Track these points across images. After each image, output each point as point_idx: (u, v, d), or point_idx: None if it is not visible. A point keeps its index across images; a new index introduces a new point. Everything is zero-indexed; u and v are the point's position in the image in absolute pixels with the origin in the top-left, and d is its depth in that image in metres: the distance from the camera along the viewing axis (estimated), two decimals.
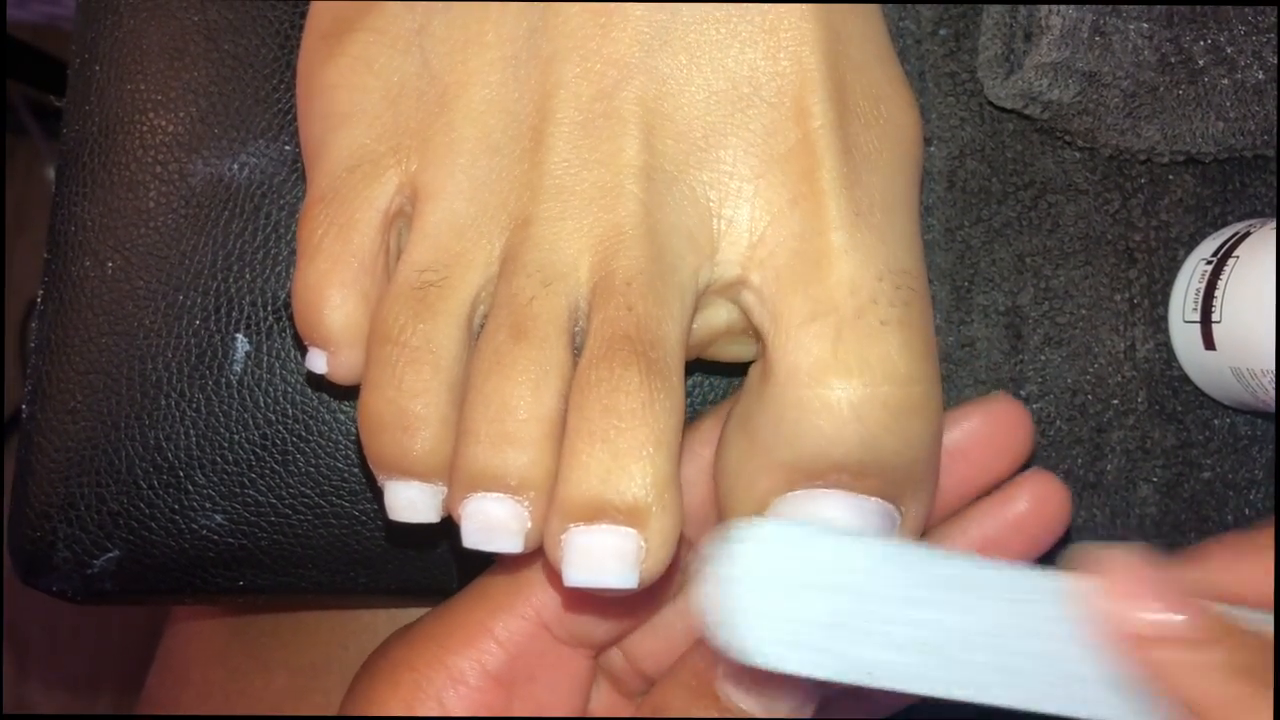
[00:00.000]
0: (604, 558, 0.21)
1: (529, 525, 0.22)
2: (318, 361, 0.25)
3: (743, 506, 0.23)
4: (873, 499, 0.22)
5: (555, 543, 0.22)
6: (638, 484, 0.21)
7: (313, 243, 0.24)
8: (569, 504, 0.21)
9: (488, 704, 0.24)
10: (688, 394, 0.29)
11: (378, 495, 0.24)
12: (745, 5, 0.23)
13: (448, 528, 0.23)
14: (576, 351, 0.23)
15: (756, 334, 0.23)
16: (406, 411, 0.23)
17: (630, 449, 0.21)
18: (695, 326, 0.24)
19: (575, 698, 0.26)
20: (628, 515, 0.21)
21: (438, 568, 0.30)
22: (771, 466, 0.22)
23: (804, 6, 0.23)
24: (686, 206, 0.23)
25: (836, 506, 0.22)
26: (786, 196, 0.23)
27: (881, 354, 0.22)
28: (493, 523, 0.22)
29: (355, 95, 0.24)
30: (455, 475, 0.22)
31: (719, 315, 0.24)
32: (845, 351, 0.22)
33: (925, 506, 0.24)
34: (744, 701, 0.23)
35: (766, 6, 0.23)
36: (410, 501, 0.23)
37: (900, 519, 0.23)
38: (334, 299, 0.24)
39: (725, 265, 0.23)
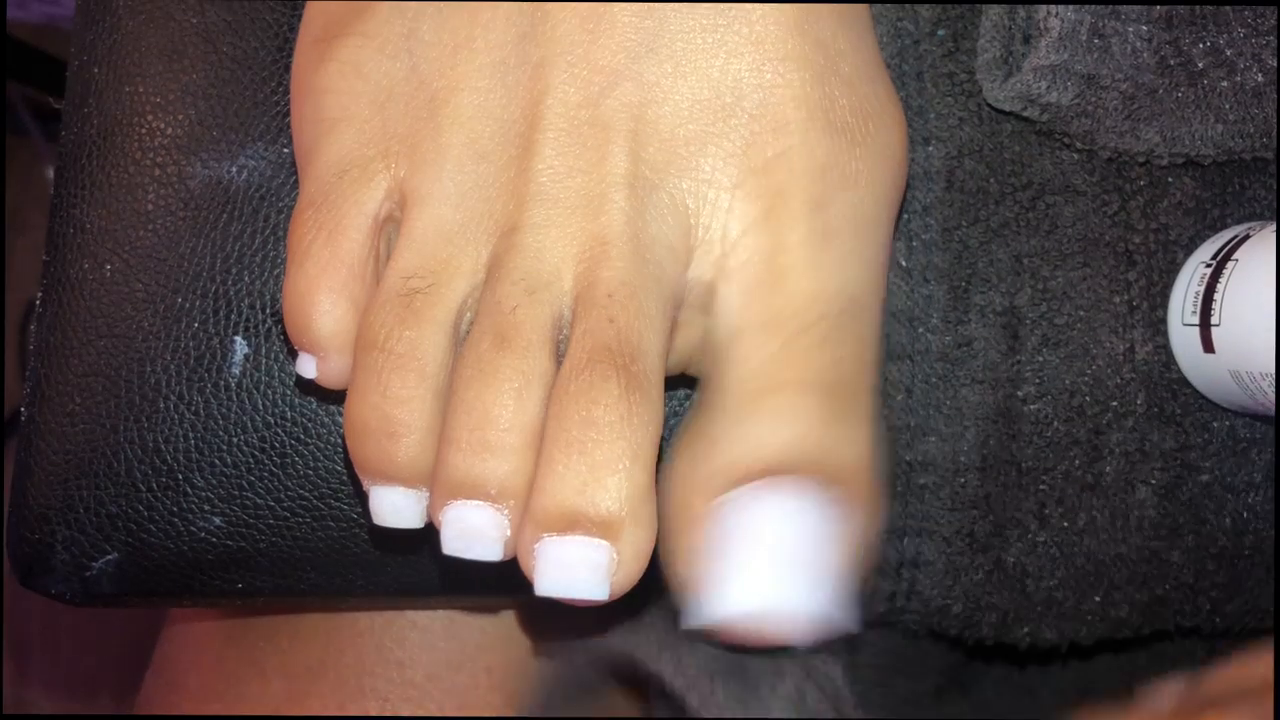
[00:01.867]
0: (576, 568, 0.21)
1: (508, 533, 0.22)
2: (307, 366, 0.25)
3: (691, 507, 0.23)
4: (819, 489, 0.22)
5: (528, 551, 0.22)
6: (612, 496, 0.21)
7: (302, 247, 0.24)
8: (543, 513, 0.21)
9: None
10: (670, 409, 0.29)
11: (363, 500, 0.24)
12: (733, 17, 0.23)
13: (432, 534, 0.23)
14: (560, 360, 0.23)
15: (714, 342, 0.24)
16: (391, 418, 0.23)
17: (607, 461, 0.21)
18: (677, 343, 0.24)
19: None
20: (601, 527, 0.21)
21: (435, 571, 0.30)
22: (718, 470, 0.23)
23: (792, 21, 0.23)
24: (667, 215, 0.23)
25: (779, 490, 0.22)
26: (760, 208, 0.23)
27: (819, 364, 0.23)
28: (472, 530, 0.22)
29: (344, 100, 0.24)
30: (436, 482, 0.22)
31: (697, 330, 0.24)
32: (788, 357, 0.22)
33: (873, 519, 0.24)
34: None
35: (755, 19, 0.23)
36: (394, 507, 0.23)
37: (842, 509, 0.23)
38: (323, 304, 0.24)
39: (698, 271, 0.23)
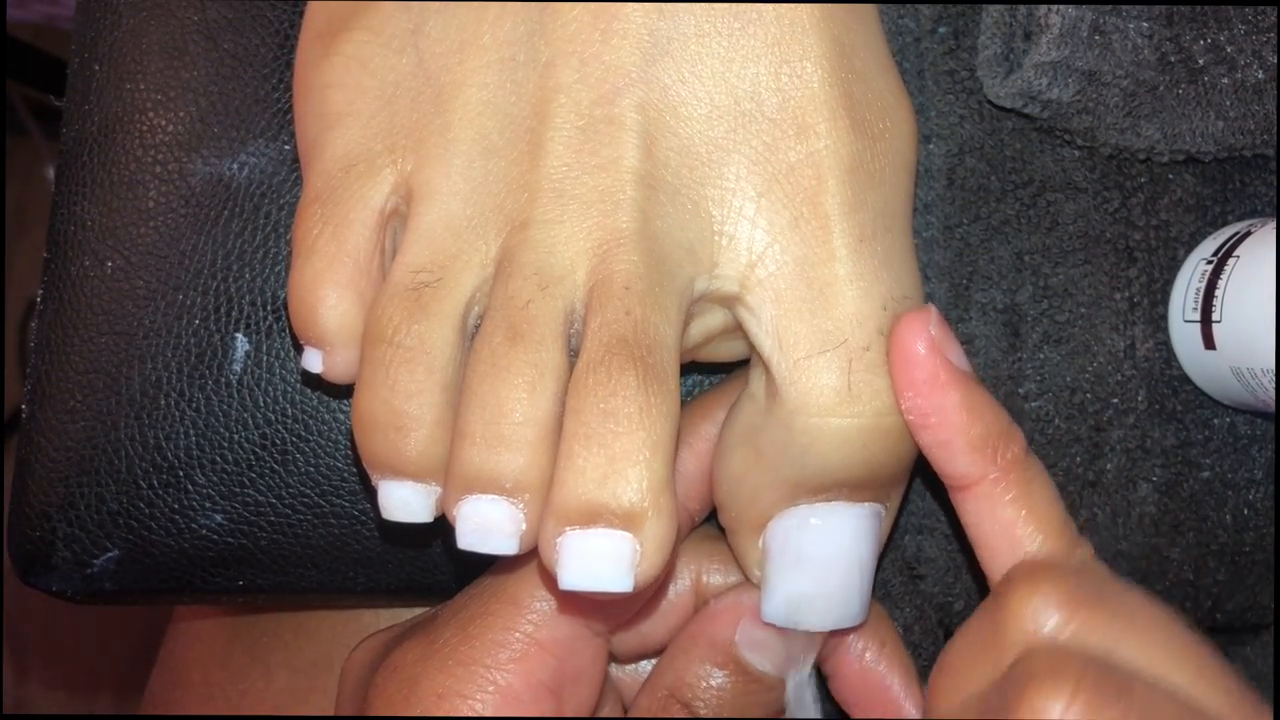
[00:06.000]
0: (599, 561, 0.21)
1: (524, 527, 0.22)
2: (313, 361, 0.25)
3: (746, 515, 0.24)
4: (868, 505, 0.24)
5: (550, 546, 0.22)
6: (634, 488, 0.21)
7: (308, 242, 0.24)
8: (565, 507, 0.21)
9: (543, 714, 0.24)
10: (683, 397, 0.29)
11: (371, 494, 0.24)
12: (748, 19, 0.23)
13: (441, 527, 0.23)
14: (572, 354, 0.23)
15: (755, 352, 0.24)
16: (400, 412, 0.23)
17: (627, 453, 0.21)
18: (692, 331, 0.24)
19: (599, 686, 0.26)
20: (624, 519, 0.21)
21: (437, 567, 0.30)
22: (777, 482, 0.24)
23: (808, 20, 0.23)
24: (688, 220, 0.23)
25: (836, 515, 0.24)
26: (788, 217, 0.23)
27: (888, 385, 0.23)
28: (488, 524, 0.22)
29: (350, 94, 0.24)
30: (450, 477, 0.22)
31: (715, 319, 0.24)
32: (855, 384, 0.23)
33: (904, 493, 0.26)
34: (760, 663, 0.25)
35: (770, 20, 0.23)
36: (403, 501, 0.23)
37: (885, 512, 0.25)
38: (329, 299, 0.24)
39: (723, 280, 0.23)
